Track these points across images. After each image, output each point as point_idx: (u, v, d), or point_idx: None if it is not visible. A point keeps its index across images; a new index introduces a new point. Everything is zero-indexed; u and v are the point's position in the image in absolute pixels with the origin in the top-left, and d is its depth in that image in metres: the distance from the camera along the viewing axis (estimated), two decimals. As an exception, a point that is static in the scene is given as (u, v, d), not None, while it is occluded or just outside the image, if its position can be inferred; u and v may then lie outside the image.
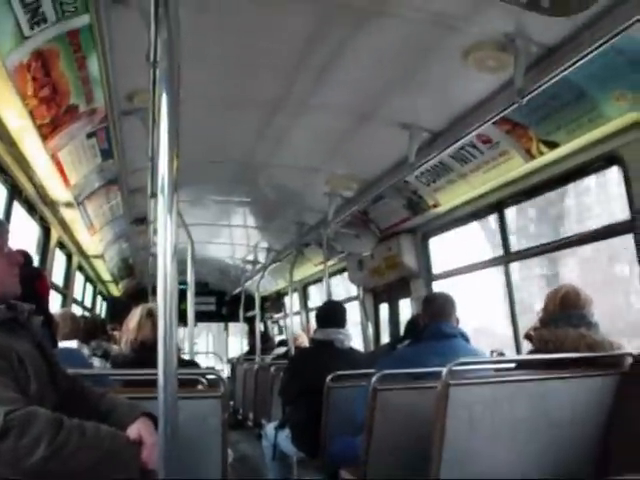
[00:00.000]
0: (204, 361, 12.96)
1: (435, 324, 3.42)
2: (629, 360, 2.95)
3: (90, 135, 3.92)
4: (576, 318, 3.03)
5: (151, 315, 3.22)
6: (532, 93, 2.94)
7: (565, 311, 3.07)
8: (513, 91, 3.00)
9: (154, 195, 4.49)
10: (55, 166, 3.92)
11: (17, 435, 1.53)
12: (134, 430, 1.86)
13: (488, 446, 2.70)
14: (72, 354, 3.43)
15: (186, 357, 4.88)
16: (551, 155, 3.65)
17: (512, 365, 3.26)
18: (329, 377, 3.84)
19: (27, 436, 1.54)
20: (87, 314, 7.89)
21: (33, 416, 1.59)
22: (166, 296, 1.58)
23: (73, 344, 3.78)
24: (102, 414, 1.96)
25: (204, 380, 2.90)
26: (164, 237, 1.60)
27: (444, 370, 2.63)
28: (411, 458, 2.68)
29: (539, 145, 3.61)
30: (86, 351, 3.90)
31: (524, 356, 3.73)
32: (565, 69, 2.73)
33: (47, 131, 3.33)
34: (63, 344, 3.65)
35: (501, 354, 4.11)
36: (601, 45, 2.50)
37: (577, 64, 2.67)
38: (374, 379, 3.13)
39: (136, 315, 3.31)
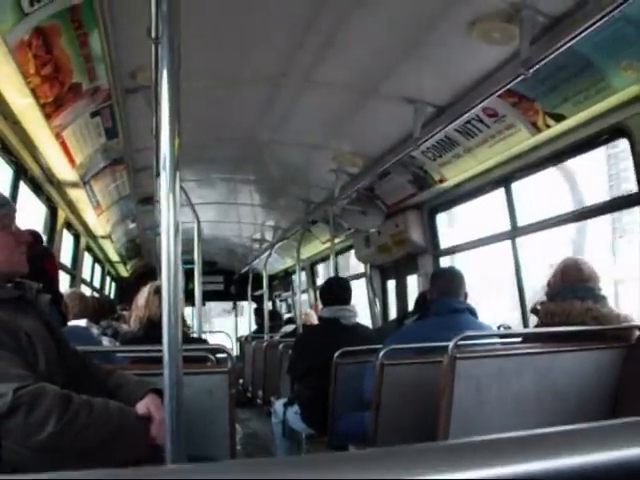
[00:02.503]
0: (213, 340, 13.04)
1: (443, 299, 3.42)
2: (636, 333, 2.94)
3: (94, 114, 3.91)
4: (582, 291, 3.01)
5: (159, 292, 3.24)
6: (538, 64, 2.89)
7: (567, 284, 3.06)
8: (519, 63, 2.96)
9: (159, 174, 4.49)
10: (60, 146, 3.91)
11: (26, 411, 1.55)
12: (142, 406, 1.89)
13: (494, 419, 2.71)
14: (81, 332, 3.44)
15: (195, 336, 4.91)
16: (557, 128, 3.61)
17: (519, 339, 3.26)
18: (336, 353, 3.85)
19: (36, 412, 1.56)
20: (96, 295, 7.94)
21: (42, 392, 1.60)
22: (170, 273, 1.59)
23: (82, 323, 3.80)
24: (110, 391, 1.97)
25: (212, 357, 2.91)
26: (167, 215, 1.60)
27: (450, 344, 2.64)
28: (419, 432, 2.69)
29: (545, 118, 3.57)
30: (95, 330, 3.92)
31: (530, 329, 3.73)
32: (572, 39, 2.68)
33: (51, 110, 3.32)
34: (72, 323, 3.67)
35: (508, 328, 4.12)
36: (609, 13, 2.45)
37: (584, 34, 2.62)
38: (381, 354, 3.14)
39: (144, 293, 3.34)
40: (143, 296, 3.34)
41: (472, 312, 3.43)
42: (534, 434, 0.48)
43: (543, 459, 0.45)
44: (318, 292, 5.93)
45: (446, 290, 3.45)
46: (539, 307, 3.18)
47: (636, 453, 0.45)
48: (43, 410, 1.57)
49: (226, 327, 13.62)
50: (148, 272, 9.76)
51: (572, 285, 3.05)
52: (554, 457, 0.45)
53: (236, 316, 13.92)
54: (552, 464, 0.44)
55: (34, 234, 4.14)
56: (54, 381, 1.72)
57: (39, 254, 3.59)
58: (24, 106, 3.17)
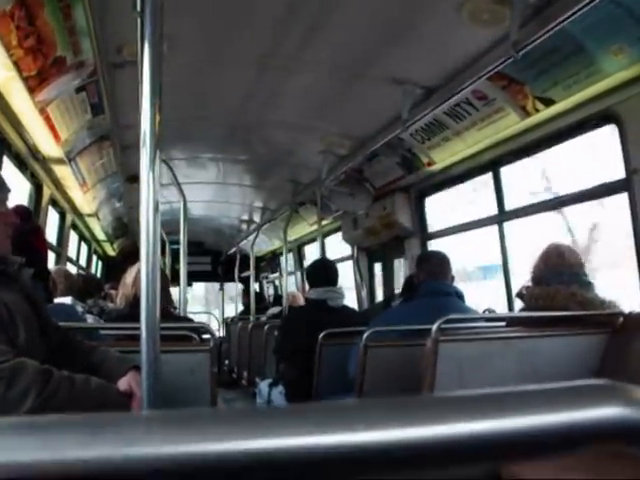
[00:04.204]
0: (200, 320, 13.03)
1: (430, 282, 3.42)
2: (620, 319, 2.95)
3: (80, 89, 3.84)
4: (568, 276, 3.02)
5: None
6: (528, 47, 2.88)
7: (550, 269, 3.07)
8: (509, 45, 2.94)
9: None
10: (44, 121, 3.85)
11: (5, 386, 1.54)
12: (124, 382, 1.89)
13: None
14: (65, 309, 3.43)
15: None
16: (547, 112, 3.59)
17: (503, 323, 3.27)
18: (321, 335, 3.85)
19: (15, 387, 1.55)
20: (82, 273, 7.89)
21: (21, 367, 1.59)
22: (148, 250, 1.57)
23: (68, 300, 3.78)
24: (92, 367, 1.97)
25: (196, 337, 2.90)
26: (146, 191, 1.58)
27: (434, 327, 2.64)
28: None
29: (535, 102, 3.56)
30: (80, 308, 3.90)
31: (514, 313, 3.74)
32: (562, 21, 2.66)
33: (34, 83, 3.26)
34: (58, 300, 3.66)
35: (492, 312, 4.13)
36: (600, -4, 2.44)
37: (574, 16, 2.60)
38: (365, 336, 3.14)
39: (132, 271, 3.34)
40: (131, 275, 3.34)
41: (459, 295, 3.43)
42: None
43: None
44: (305, 274, 5.93)
45: (433, 273, 3.45)
46: (524, 291, 3.19)
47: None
48: (22, 385, 1.56)
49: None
50: (135, 251, 9.67)
51: (556, 269, 3.06)
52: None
53: (222, 297, 13.92)
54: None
55: (25, 210, 4.11)
56: (34, 356, 1.71)
57: (28, 230, 3.57)
58: (6, 79, 3.11)
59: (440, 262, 3.51)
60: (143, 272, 1.56)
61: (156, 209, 1.56)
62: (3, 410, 1.54)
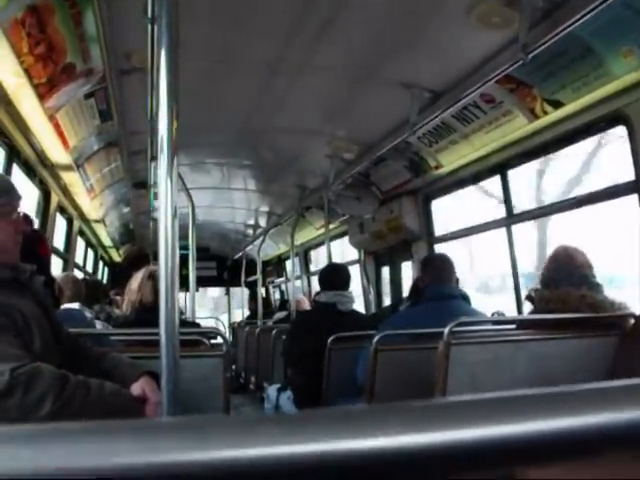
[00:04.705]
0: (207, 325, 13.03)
1: (435, 285, 3.42)
2: (631, 321, 2.94)
3: (88, 95, 3.86)
4: (577, 278, 3.02)
5: (152, 277, 3.25)
6: (537, 50, 2.88)
7: (560, 272, 3.06)
8: (517, 48, 2.94)
9: (154, 158, 4.46)
10: (53, 127, 3.87)
11: (24, 391, 1.55)
12: (137, 387, 1.90)
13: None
14: (74, 315, 3.43)
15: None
16: (555, 115, 3.59)
17: (513, 326, 3.26)
18: (330, 339, 3.85)
19: (33, 392, 1.57)
20: (87, 278, 7.90)
21: (39, 372, 1.61)
22: (167, 257, 1.57)
23: (75, 306, 3.79)
24: (104, 373, 1.97)
25: (207, 342, 2.91)
26: (165, 198, 1.58)
27: (445, 330, 2.64)
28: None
29: (543, 104, 3.56)
30: (88, 314, 3.91)
31: (524, 316, 3.73)
32: (571, 24, 2.67)
33: (44, 90, 3.28)
34: (65, 306, 3.66)
35: (502, 315, 4.12)
36: (609, -2, 2.45)
37: (584, 19, 2.61)
38: (375, 339, 3.14)
39: (138, 277, 3.36)
40: (137, 281, 3.35)
41: (465, 298, 3.44)
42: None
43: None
44: (317, 277, 5.93)
45: (437, 276, 3.45)
46: (533, 294, 3.18)
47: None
48: (40, 389, 1.58)
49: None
50: (141, 257, 9.73)
51: (566, 272, 3.05)
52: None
53: (229, 302, 13.92)
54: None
55: (25, 217, 4.12)
56: (49, 362, 1.73)
57: (31, 238, 3.58)
58: (17, 86, 3.12)
59: (443, 265, 3.52)
60: (162, 277, 1.56)
61: (174, 215, 1.57)
62: (21, 415, 1.55)
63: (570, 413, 0.44)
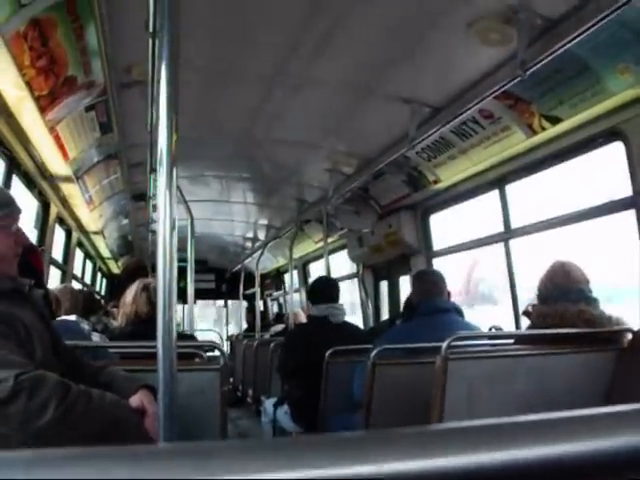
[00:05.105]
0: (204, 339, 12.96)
1: (428, 300, 3.42)
2: (628, 336, 2.94)
3: (89, 108, 3.88)
4: (574, 293, 3.02)
5: (146, 289, 3.26)
6: (535, 66, 2.91)
7: (557, 287, 3.06)
8: (516, 64, 2.97)
9: (153, 170, 4.48)
10: (54, 139, 3.88)
11: (27, 397, 1.56)
12: (136, 399, 1.92)
13: (486, 420, 2.70)
14: (70, 327, 3.43)
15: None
16: (553, 130, 3.62)
17: (510, 341, 3.26)
18: (328, 352, 3.84)
19: (37, 398, 1.57)
20: (84, 289, 7.89)
21: (43, 379, 1.62)
22: (165, 269, 1.58)
23: (72, 318, 3.78)
24: (101, 386, 1.97)
25: (204, 354, 2.90)
26: (164, 211, 1.59)
27: (443, 345, 2.63)
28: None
29: (541, 120, 3.58)
30: (86, 326, 3.90)
31: (522, 331, 3.73)
32: (569, 42, 2.69)
33: (45, 103, 3.29)
34: (61, 318, 3.65)
35: (499, 329, 4.12)
36: (605, 17, 2.47)
37: (581, 37, 2.63)
38: (373, 354, 3.13)
39: (132, 290, 3.36)
40: (131, 293, 3.36)
41: (458, 311, 3.44)
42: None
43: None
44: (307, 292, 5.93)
45: (428, 291, 3.46)
46: (531, 309, 3.18)
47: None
48: (43, 396, 1.59)
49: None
50: (140, 269, 9.71)
51: (563, 287, 3.06)
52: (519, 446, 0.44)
53: (227, 315, 13.90)
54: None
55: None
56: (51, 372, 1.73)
57: (27, 250, 3.57)
58: (18, 99, 3.14)
59: (434, 280, 3.53)
60: (160, 289, 1.56)
61: (173, 227, 1.58)
62: (23, 421, 1.56)
63: (568, 439, 0.44)
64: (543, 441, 0.44)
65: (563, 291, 3.05)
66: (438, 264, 5.67)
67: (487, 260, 5.74)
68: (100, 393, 1.76)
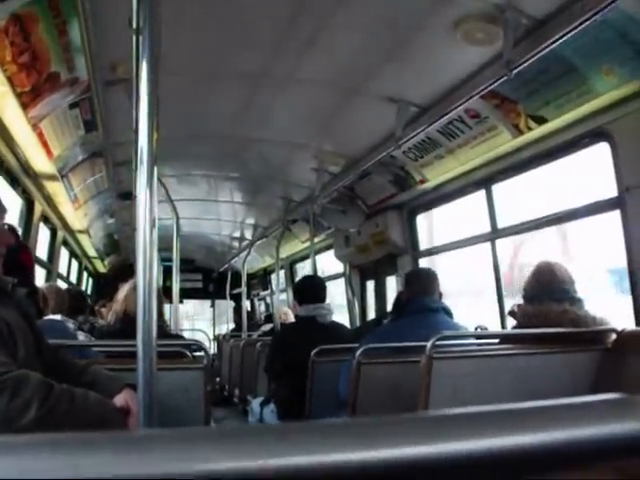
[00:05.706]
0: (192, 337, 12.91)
1: (418, 299, 3.42)
2: (612, 336, 2.95)
3: (73, 105, 3.84)
4: (559, 293, 3.03)
5: None
6: (521, 66, 2.91)
7: (542, 287, 3.07)
8: (502, 64, 2.97)
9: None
10: (37, 137, 3.84)
11: (9, 396, 1.55)
12: (120, 398, 1.93)
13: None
14: (55, 326, 3.40)
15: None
16: (539, 131, 3.62)
17: (495, 340, 3.26)
18: (313, 351, 3.83)
19: (19, 397, 1.57)
20: (70, 288, 7.83)
21: (25, 378, 1.61)
22: (145, 267, 1.56)
23: (57, 318, 3.75)
24: (85, 386, 1.96)
25: (189, 354, 2.88)
26: (144, 209, 1.58)
27: (428, 344, 2.63)
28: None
29: (527, 120, 3.59)
30: (71, 325, 3.87)
31: (507, 330, 3.74)
32: (554, 42, 2.70)
33: (28, 99, 3.26)
34: (48, 317, 3.63)
35: (484, 329, 4.13)
36: (591, 17, 2.48)
37: (566, 37, 2.64)
38: (358, 353, 3.13)
39: (125, 288, 3.36)
40: (123, 291, 3.39)
41: (447, 312, 3.44)
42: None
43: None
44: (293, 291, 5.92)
45: (420, 290, 3.46)
46: (516, 309, 3.19)
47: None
48: (26, 396, 1.58)
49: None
50: (126, 268, 9.68)
51: (548, 287, 3.06)
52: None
53: (214, 315, 13.86)
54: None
55: (10, 228, 4.08)
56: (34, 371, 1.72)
57: (15, 247, 3.55)
58: (0, 94, 3.10)
59: (427, 279, 3.53)
60: (140, 289, 1.55)
61: (153, 226, 1.56)
62: (6, 420, 1.55)
63: (550, 427, 0.44)
64: (520, 430, 0.44)
65: (548, 291, 3.06)
66: (435, 262, 5.67)
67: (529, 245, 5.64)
68: (83, 392, 1.76)
